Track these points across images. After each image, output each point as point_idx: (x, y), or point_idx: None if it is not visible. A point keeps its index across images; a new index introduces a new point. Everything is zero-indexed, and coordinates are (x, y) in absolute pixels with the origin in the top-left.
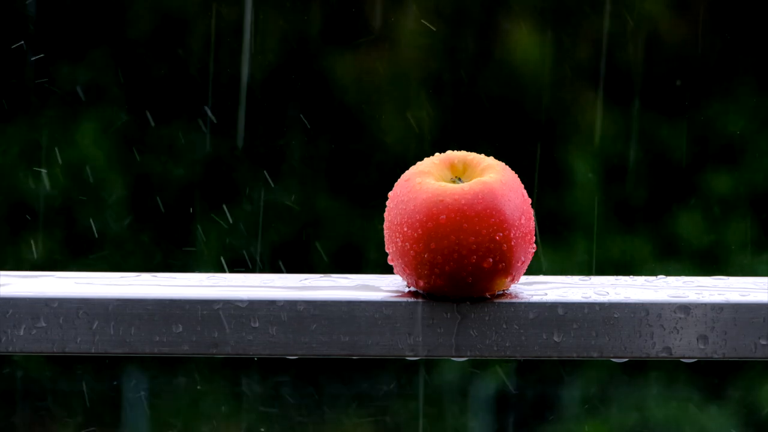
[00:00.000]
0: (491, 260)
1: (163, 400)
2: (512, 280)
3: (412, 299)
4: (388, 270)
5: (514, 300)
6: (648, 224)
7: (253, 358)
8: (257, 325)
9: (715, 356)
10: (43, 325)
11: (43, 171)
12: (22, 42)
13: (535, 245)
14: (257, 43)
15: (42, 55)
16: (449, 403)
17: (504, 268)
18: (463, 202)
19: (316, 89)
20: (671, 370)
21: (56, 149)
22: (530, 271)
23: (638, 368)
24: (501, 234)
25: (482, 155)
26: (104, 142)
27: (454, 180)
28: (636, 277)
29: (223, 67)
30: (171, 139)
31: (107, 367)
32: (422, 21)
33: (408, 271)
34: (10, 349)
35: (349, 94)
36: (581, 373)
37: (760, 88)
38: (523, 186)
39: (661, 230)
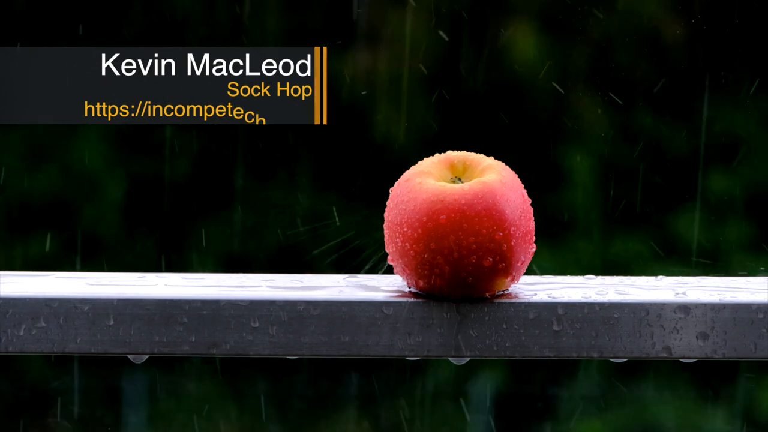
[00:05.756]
0: (491, 260)
1: (163, 400)
2: (512, 280)
3: (412, 299)
4: (388, 270)
5: (514, 300)
6: (648, 224)
7: (253, 358)
8: (257, 325)
9: (715, 356)
10: (43, 325)
11: (42, 171)
12: (19, 38)
13: (534, 245)
14: (257, 42)
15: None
16: (448, 403)
17: (504, 268)
18: (463, 202)
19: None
20: (671, 370)
21: (55, 149)
22: (530, 271)
23: (638, 368)
24: (501, 234)
25: (482, 155)
26: (103, 142)
27: (454, 180)
28: (636, 277)
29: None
30: (170, 139)
31: (107, 367)
32: (422, 20)
33: (408, 271)
34: (10, 349)
35: (348, 94)
36: (580, 372)
37: (761, 88)
38: (523, 186)
39: (660, 230)
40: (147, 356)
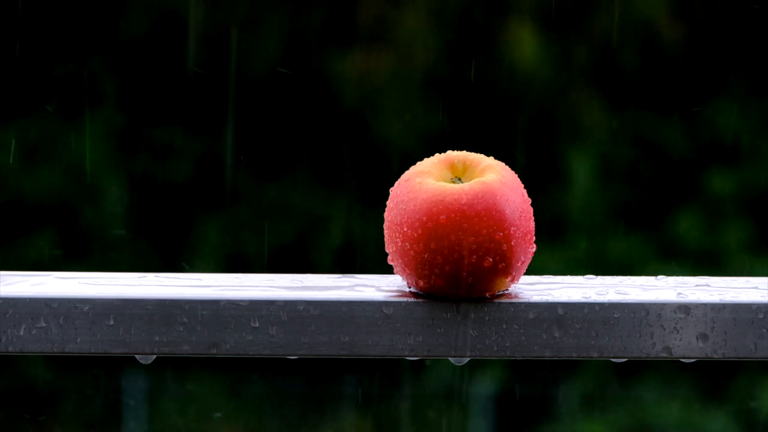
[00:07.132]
0: (491, 260)
1: (163, 400)
2: (512, 280)
3: (412, 299)
4: (388, 270)
5: (514, 300)
6: (648, 225)
7: (253, 358)
8: (257, 325)
9: (715, 356)
10: (43, 325)
11: (42, 172)
12: (21, 42)
13: (534, 245)
14: (258, 43)
15: (41, 56)
16: (448, 403)
17: (504, 268)
18: (463, 202)
19: (315, 89)
20: (671, 370)
21: (55, 150)
22: (530, 271)
23: (638, 368)
24: (501, 234)
25: (482, 155)
26: (103, 143)
27: (454, 180)
28: (636, 277)
29: (223, 66)
30: (170, 140)
31: (107, 367)
32: (423, 21)
33: (408, 271)
34: (10, 349)
35: (349, 94)
36: (580, 373)
37: (760, 89)
38: (523, 186)
39: (661, 231)
40: (154, 356)
